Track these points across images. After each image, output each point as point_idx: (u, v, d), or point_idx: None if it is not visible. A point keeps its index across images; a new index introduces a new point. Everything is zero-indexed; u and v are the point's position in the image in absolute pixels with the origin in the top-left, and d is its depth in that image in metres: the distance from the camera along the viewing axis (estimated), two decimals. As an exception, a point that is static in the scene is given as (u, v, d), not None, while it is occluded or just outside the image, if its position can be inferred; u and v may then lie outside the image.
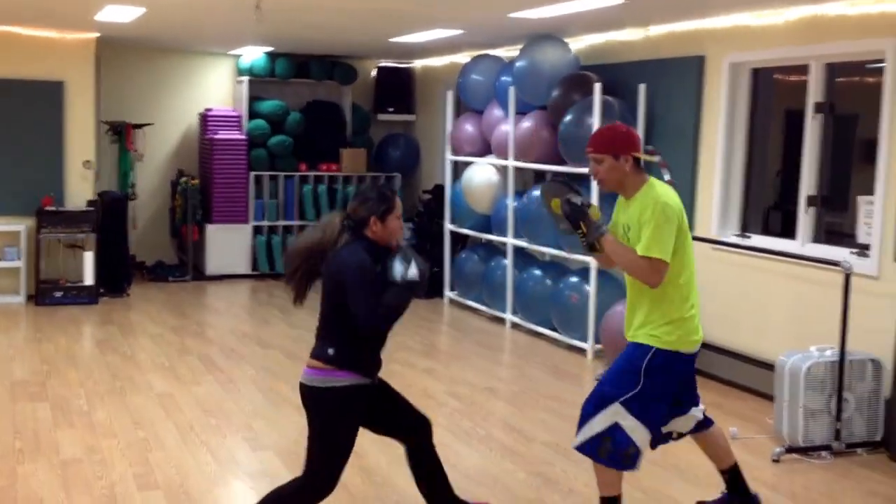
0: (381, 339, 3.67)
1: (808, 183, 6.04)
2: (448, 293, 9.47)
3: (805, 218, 6.05)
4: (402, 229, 3.70)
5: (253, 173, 10.51)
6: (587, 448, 3.74)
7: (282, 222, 10.66)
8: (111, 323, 8.22)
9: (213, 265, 10.42)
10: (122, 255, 9.62)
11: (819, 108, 5.97)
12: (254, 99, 10.71)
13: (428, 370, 6.90)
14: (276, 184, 10.71)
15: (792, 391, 5.02)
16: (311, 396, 3.56)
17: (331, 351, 3.53)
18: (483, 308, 8.79)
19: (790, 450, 4.99)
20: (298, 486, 3.57)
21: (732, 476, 4.13)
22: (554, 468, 4.88)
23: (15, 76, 9.03)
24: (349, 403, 3.55)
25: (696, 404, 3.99)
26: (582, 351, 7.24)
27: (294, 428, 5.44)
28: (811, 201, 6.03)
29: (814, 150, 6.01)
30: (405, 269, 3.49)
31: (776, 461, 4.94)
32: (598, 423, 3.69)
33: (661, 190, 3.72)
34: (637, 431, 3.68)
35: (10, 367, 6.69)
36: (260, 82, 10.75)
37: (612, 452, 3.69)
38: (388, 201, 3.63)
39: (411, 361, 7.10)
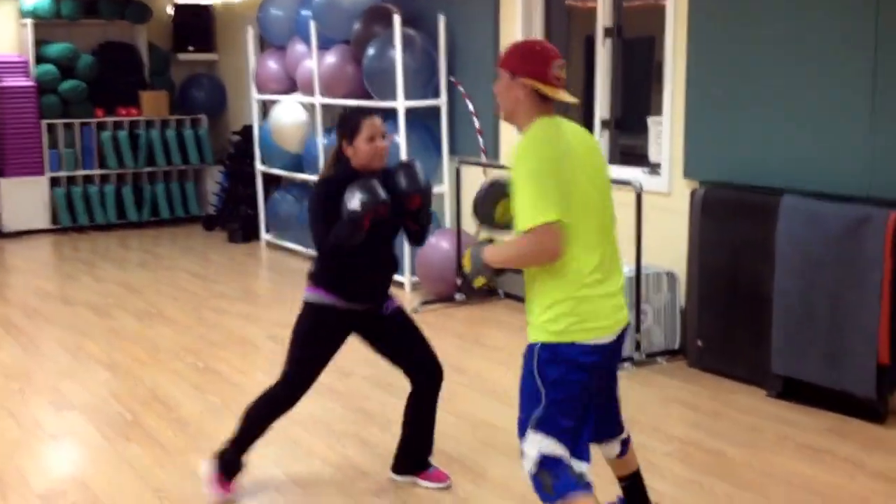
0: (363, 267, 3.69)
1: (601, 107, 6.29)
2: (264, 236, 9.38)
3: (600, 141, 6.32)
4: (379, 152, 3.60)
5: (45, 121, 10.00)
6: (539, 494, 2.97)
7: (81, 172, 10.21)
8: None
9: (9, 221, 9.91)
10: None
11: (608, 32, 6.21)
12: (40, 43, 10.14)
13: (246, 315, 6.85)
14: (72, 132, 10.24)
15: (594, 308, 5.28)
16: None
17: (311, 269, 3.80)
18: (300, 248, 8.76)
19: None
20: (272, 389, 3.82)
21: (632, 484, 3.42)
22: (371, 402, 4.98)
23: None
24: (319, 319, 3.76)
25: (615, 434, 3.27)
26: (399, 284, 7.36)
27: (102, 386, 5.33)
28: (605, 124, 6.30)
29: (605, 74, 6.26)
30: (348, 201, 3.45)
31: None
32: (527, 461, 2.97)
33: (539, 131, 2.90)
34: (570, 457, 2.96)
35: None
36: (46, 25, 10.17)
37: (558, 484, 2.90)
38: (349, 123, 3.62)
39: (225, 308, 7.03)
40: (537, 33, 6.74)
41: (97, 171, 10.29)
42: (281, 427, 3.99)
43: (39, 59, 10.07)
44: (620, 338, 2.99)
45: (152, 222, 10.49)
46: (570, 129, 3.00)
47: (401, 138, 7.14)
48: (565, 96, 2.93)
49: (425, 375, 3.91)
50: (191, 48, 11.00)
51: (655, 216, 5.49)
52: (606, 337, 2.90)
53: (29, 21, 10.01)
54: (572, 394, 2.89)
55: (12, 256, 9.25)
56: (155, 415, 4.87)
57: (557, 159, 2.83)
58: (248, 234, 9.52)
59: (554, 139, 2.89)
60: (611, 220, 3.00)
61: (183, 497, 3.93)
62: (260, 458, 4.07)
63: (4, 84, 9.78)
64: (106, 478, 4.14)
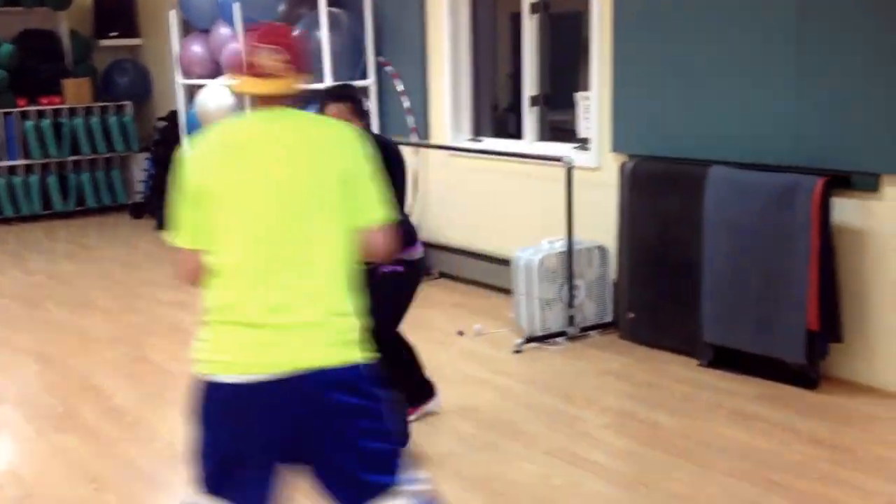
0: None
1: (529, 83, 6.24)
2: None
3: (530, 117, 6.27)
4: None
5: (-34, 112, 9.63)
6: None
7: (5, 163, 9.86)
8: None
9: (-70, 215, 9.54)
10: None
11: (534, 8, 6.15)
12: (-43, 31, 9.76)
13: (177, 303, 6.67)
14: (-6, 122, 9.87)
15: (528, 284, 5.25)
16: None
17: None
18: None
19: (530, 339, 5.25)
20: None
21: None
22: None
23: None
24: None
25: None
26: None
27: (34, 378, 5.16)
28: (534, 101, 6.25)
29: (532, 50, 6.21)
30: None
31: (518, 352, 5.18)
32: None
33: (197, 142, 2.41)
34: None
35: None
36: (-38, 13, 9.80)
37: None
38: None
39: (156, 295, 6.85)
40: (463, 10, 6.65)
41: (21, 162, 9.94)
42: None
43: (-44, 48, 9.68)
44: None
45: (79, 212, 10.18)
46: (263, 128, 2.38)
47: (330, 120, 7.01)
48: (249, 86, 2.36)
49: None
50: (113, 34, 10.67)
51: (585, 191, 5.47)
52: (230, 375, 2.25)
53: (-56, 9, 9.62)
54: (205, 445, 2.34)
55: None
56: (89, 405, 4.72)
57: (191, 180, 2.31)
58: (178, 220, 9.27)
59: (202, 153, 2.36)
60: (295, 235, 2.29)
61: (119, 486, 3.81)
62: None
63: (-80, 74, 9.38)
64: (41, 470, 4.00)
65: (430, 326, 5.83)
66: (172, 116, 9.77)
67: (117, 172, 10.44)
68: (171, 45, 9.10)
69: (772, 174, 4.44)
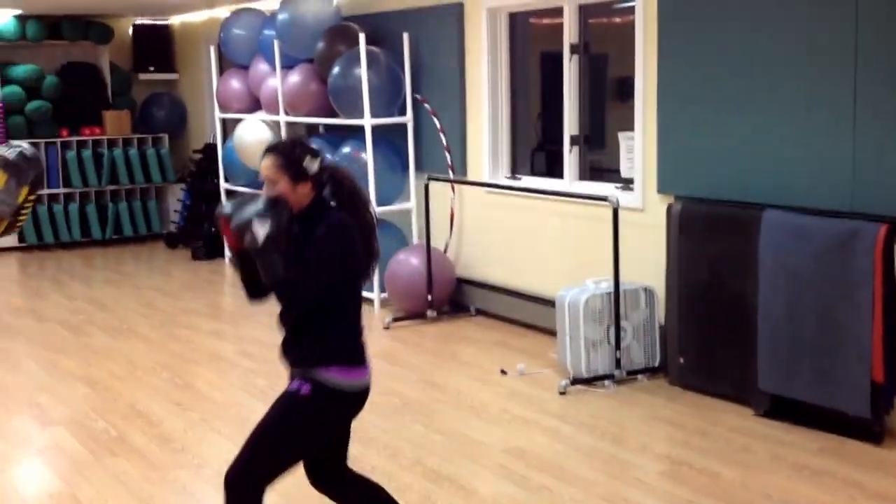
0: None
1: (570, 123, 6.04)
2: (228, 253, 8.96)
3: (570, 157, 6.06)
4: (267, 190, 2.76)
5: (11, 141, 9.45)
6: None
7: (46, 191, 9.68)
8: None
9: (-29, 241, 9.35)
10: None
11: (574, 49, 5.96)
12: (5, 64, 9.63)
13: (215, 332, 6.48)
14: (38, 151, 9.68)
15: (573, 324, 5.01)
16: None
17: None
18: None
19: (575, 381, 4.99)
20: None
21: None
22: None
23: None
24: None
25: None
26: (369, 301, 7.00)
27: (82, 400, 5.00)
28: (574, 140, 6.05)
29: (572, 90, 6.01)
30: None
31: (563, 393, 4.92)
32: None
33: None
34: None
35: None
36: (10, 47, 9.67)
37: None
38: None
39: (195, 324, 6.66)
40: (502, 50, 6.47)
41: (62, 190, 9.78)
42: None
43: (5, 81, 9.55)
44: None
45: (116, 240, 10.00)
46: None
47: (367, 156, 6.83)
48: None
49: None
50: (151, 68, 10.54)
51: (628, 231, 5.23)
52: None
53: (-7, 43, 9.50)
54: None
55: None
56: (138, 430, 4.57)
57: None
58: (211, 251, 9.07)
59: None
60: None
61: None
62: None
63: (-33, 104, 9.24)
64: (95, 491, 3.86)
65: (470, 364, 5.60)
66: (207, 149, 9.61)
67: (154, 203, 10.26)
68: (209, 79, 8.97)
69: (831, 219, 4.19)
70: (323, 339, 2.73)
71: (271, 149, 2.81)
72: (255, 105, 8.39)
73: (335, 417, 2.79)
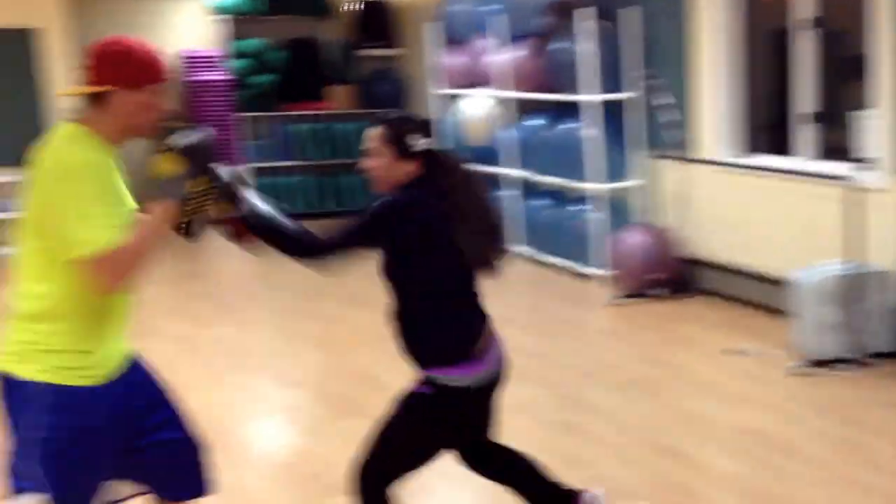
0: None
1: (804, 100, 6.00)
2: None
3: (805, 135, 6.03)
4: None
5: (241, 114, 10.31)
6: None
7: (272, 163, 10.50)
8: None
9: (207, 209, 10.25)
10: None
11: (810, 23, 5.91)
12: (234, 38, 10.45)
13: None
14: (263, 125, 10.53)
15: (807, 305, 5.05)
16: None
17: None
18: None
19: (808, 363, 5.04)
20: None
21: None
22: (578, 390, 4.90)
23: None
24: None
25: None
26: (593, 277, 7.20)
27: (316, 365, 5.44)
28: (809, 118, 6.01)
29: (807, 66, 5.97)
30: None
31: (795, 375, 4.98)
32: None
33: None
34: None
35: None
36: (241, 21, 10.49)
37: None
38: None
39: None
40: (731, 25, 6.50)
41: (286, 163, 10.55)
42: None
43: (235, 55, 10.38)
44: None
45: (338, 212, 10.67)
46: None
47: (588, 132, 7.02)
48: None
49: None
50: (373, 44, 11.12)
51: (868, 212, 5.18)
52: None
53: (224, 17, 10.33)
54: None
55: (221, 242, 9.56)
56: (371, 394, 4.91)
57: None
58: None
59: None
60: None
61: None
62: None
63: (204, 78, 10.13)
64: (331, 450, 4.22)
65: (695, 342, 5.72)
66: (428, 124, 10.06)
67: (374, 176, 10.85)
68: (430, 55, 9.40)
69: None
70: (425, 340, 2.78)
71: (381, 119, 2.84)
72: (474, 81, 8.75)
73: (457, 414, 2.82)
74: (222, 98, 10.20)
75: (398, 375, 5.11)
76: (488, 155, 8.62)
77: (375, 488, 2.83)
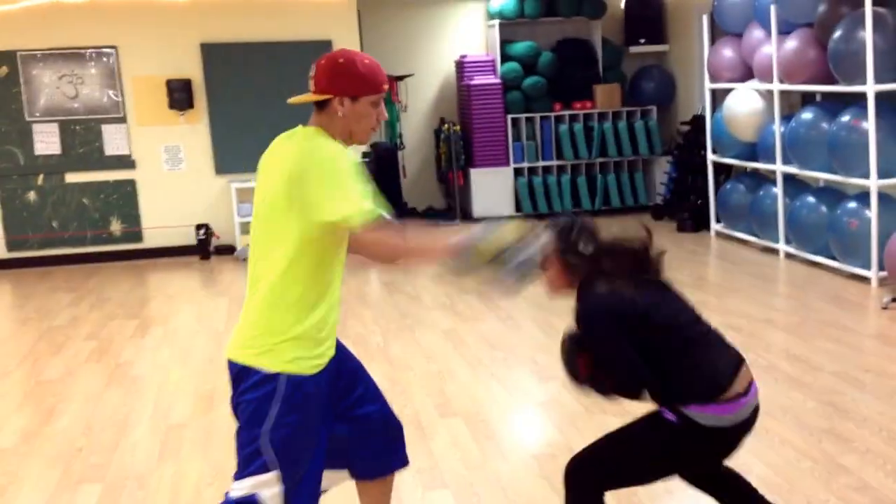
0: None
1: None
2: (714, 225, 9.30)
3: None
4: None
5: (510, 116, 10.71)
6: None
7: (540, 163, 10.82)
8: (394, 266, 8.69)
9: (478, 208, 10.75)
10: (397, 203, 10.13)
11: None
12: (505, 42, 10.86)
13: (701, 302, 6.81)
14: (533, 125, 10.86)
15: None
16: None
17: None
18: (752, 239, 8.59)
19: None
20: None
21: None
22: (844, 397, 4.76)
23: (286, 38, 9.69)
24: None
25: None
26: (865, 279, 6.93)
27: (577, 361, 5.62)
28: None
29: None
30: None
31: None
32: None
33: None
34: None
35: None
36: (510, 24, 10.88)
37: None
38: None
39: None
40: None
41: (554, 162, 10.83)
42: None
43: (504, 58, 10.79)
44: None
45: (603, 211, 10.83)
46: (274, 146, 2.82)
47: (869, 125, 6.73)
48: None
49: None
50: (642, 40, 11.15)
51: None
52: None
53: (496, 22, 10.76)
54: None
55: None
56: (628, 392, 5.04)
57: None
58: (697, 223, 9.50)
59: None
60: (258, 248, 2.71)
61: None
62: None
63: (474, 82, 10.61)
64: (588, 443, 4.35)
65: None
66: (696, 120, 9.99)
67: (640, 175, 10.93)
68: (700, 49, 9.32)
69: None
70: (672, 379, 2.77)
71: (553, 228, 2.86)
72: (747, 74, 8.59)
73: (695, 451, 2.79)
74: (495, 101, 10.64)
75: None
76: (756, 150, 8.46)
77: (589, 494, 2.85)
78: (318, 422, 2.70)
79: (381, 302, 7.42)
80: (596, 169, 10.92)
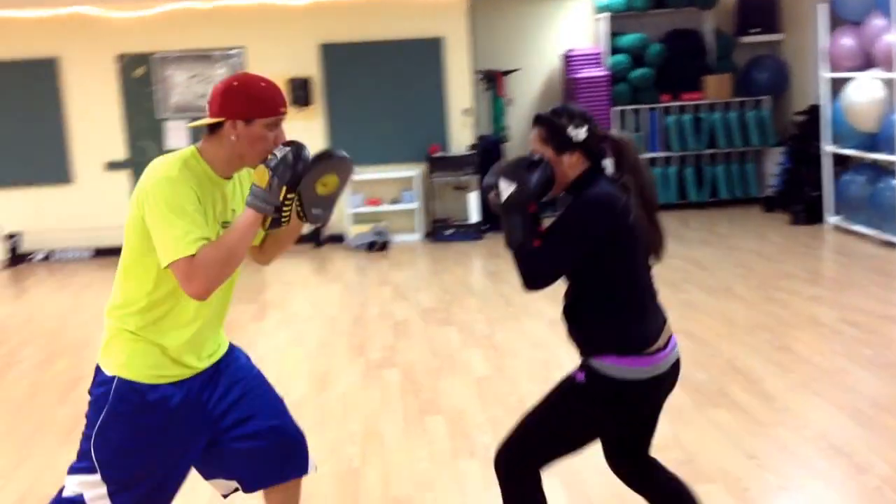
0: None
1: None
2: (830, 218, 9.00)
3: None
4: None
5: (616, 108, 10.57)
6: None
7: (647, 155, 10.65)
8: (497, 256, 8.72)
9: (583, 200, 10.64)
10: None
11: None
12: (613, 34, 10.72)
13: (815, 297, 6.64)
14: (639, 117, 10.70)
15: None
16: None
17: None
18: (871, 232, 8.27)
19: None
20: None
21: None
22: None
23: (398, 37, 9.87)
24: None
25: None
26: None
27: (683, 353, 5.43)
28: None
29: None
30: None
31: None
32: None
33: None
34: None
35: (418, 297, 7.41)
36: (618, 17, 10.73)
37: None
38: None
39: (794, 288, 6.87)
40: None
41: (661, 154, 10.65)
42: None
43: (613, 51, 10.65)
44: None
45: (711, 202, 10.59)
46: None
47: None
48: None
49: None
50: (754, 30, 10.85)
51: None
52: None
53: (604, 15, 10.63)
54: None
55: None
56: (738, 386, 4.91)
57: None
58: (811, 216, 9.20)
59: None
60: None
61: (777, 466, 3.93)
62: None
63: (581, 75, 10.50)
64: (697, 438, 4.26)
65: None
66: (811, 111, 9.69)
67: (751, 166, 10.65)
68: (816, 38, 9.02)
69: None
70: (596, 325, 2.65)
71: (535, 118, 2.73)
72: (867, 63, 8.30)
73: (614, 408, 2.66)
74: (601, 93, 10.52)
75: (766, 370, 5.10)
76: (877, 141, 8.15)
77: (520, 477, 2.72)
78: (165, 434, 2.64)
79: (486, 290, 7.43)
80: (704, 160, 10.69)
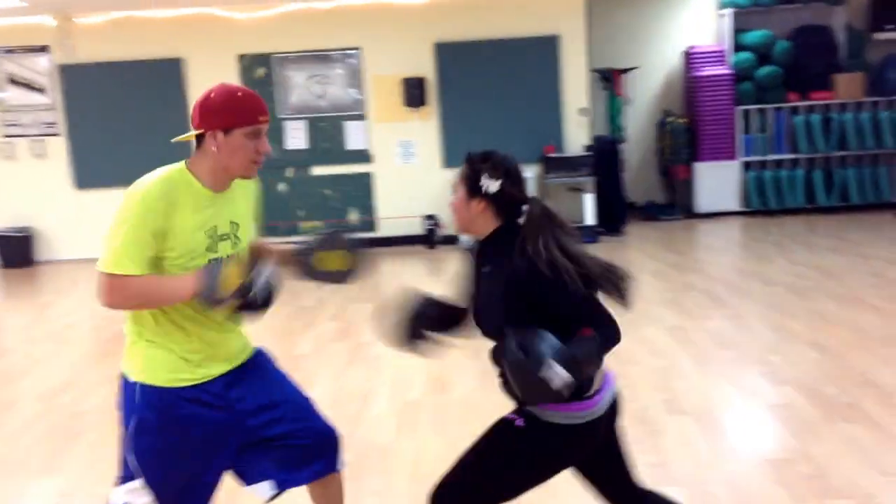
0: None
1: None
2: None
3: None
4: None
5: (740, 108, 10.30)
6: None
7: (772, 156, 10.35)
8: (613, 259, 8.56)
9: (702, 203, 10.42)
10: (618, 196, 9.99)
11: None
12: (737, 31, 10.45)
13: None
14: (765, 117, 10.40)
15: None
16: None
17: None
18: None
19: None
20: None
21: None
22: None
23: (516, 35, 9.78)
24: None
25: None
26: None
27: (812, 364, 5.32)
28: None
29: None
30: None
31: None
32: None
33: None
34: None
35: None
36: (743, 13, 10.45)
37: None
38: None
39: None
40: None
41: (787, 156, 10.33)
42: None
43: (737, 48, 10.37)
44: None
45: (841, 207, 10.22)
46: None
47: None
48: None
49: None
50: (890, 26, 10.43)
51: None
52: None
53: (728, 11, 10.37)
54: None
55: (708, 236, 9.74)
56: (871, 399, 4.70)
57: None
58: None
59: None
60: None
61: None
62: None
63: (702, 73, 10.27)
64: (827, 452, 4.10)
65: None
66: (951, 111, 9.25)
67: (884, 169, 10.23)
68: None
69: None
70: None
71: (466, 156, 2.68)
72: None
73: (555, 453, 2.55)
74: (724, 92, 10.26)
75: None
76: None
77: None
78: (192, 435, 2.67)
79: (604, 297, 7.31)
80: (834, 163, 10.31)
